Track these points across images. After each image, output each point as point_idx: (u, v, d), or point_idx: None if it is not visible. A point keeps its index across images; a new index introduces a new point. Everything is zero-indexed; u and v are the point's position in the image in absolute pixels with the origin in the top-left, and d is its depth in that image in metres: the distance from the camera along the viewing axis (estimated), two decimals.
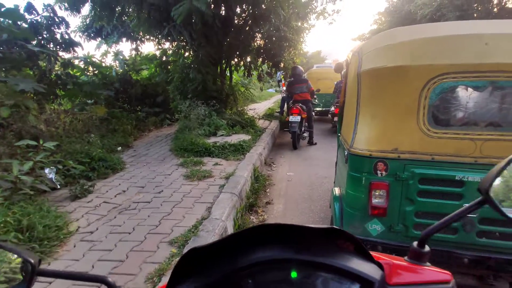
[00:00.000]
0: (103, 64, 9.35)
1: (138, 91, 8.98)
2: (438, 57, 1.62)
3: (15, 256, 0.53)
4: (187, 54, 7.02)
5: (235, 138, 5.65)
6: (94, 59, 7.78)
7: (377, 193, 1.76)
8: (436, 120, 1.68)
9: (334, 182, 3.07)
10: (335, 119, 7.42)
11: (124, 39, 9.46)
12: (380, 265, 0.50)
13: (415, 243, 0.56)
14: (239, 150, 5.04)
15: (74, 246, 2.34)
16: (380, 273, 0.48)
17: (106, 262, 2.15)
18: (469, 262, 1.67)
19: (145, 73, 10.45)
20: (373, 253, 0.53)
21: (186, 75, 6.72)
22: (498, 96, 1.64)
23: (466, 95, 1.67)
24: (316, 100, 7.83)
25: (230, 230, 2.72)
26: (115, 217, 2.83)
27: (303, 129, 6.75)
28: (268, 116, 9.29)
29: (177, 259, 0.51)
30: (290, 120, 6.26)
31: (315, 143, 7.10)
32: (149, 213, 2.86)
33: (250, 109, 12.25)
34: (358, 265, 0.48)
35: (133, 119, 7.16)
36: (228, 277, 0.48)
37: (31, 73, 5.80)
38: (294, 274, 0.48)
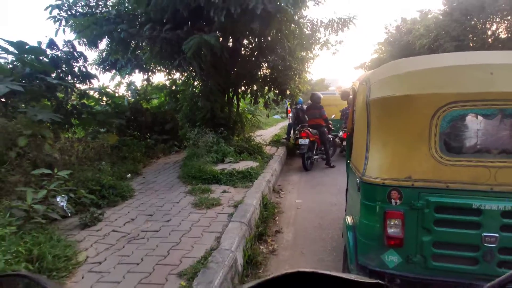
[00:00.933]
0: (116, 94, 9.76)
1: (148, 119, 9.23)
2: (445, 86, 1.64)
3: None
4: (196, 83, 7.29)
5: (242, 165, 5.68)
6: (108, 90, 8.12)
7: (392, 223, 1.72)
8: (448, 148, 1.67)
9: (345, 210, 2.98)
10: (344, 143, 7.69)
11: (136, 71, 9.91)
12: None
13: None
14: (247, 177, 5.05)
15: (82, 278, 2.32)
16: None
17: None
18: None
19: (155, 102, 10.81)
20: None
21: (194, 103, 6.93)
22: (508, 124, 1.64)
23: (477, 123, 1.68)
24: (332, 127, 8.05)
25: (240, 261, 2.67)
26: (123, 247, 2.82)
27: (315, 152, 7.13)
28: (275, 142, 9.37)
29: None
30: (299, 142, 6.77)
31: (333, 166, 7.23)
32: (157, 243, 2.84)
33: (257, 136, 12.38)
34: None
35: (142, 146, 7.30)
36: None
37: (49, 103, 6.06)
38: None
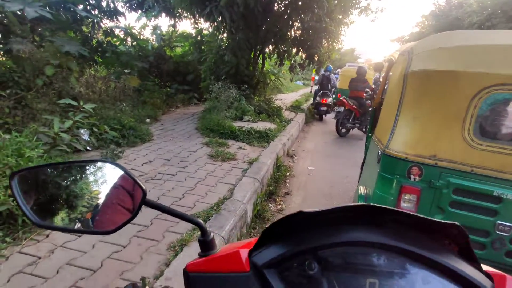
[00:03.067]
0: (141, 37, 9.58)
1: (170, 67, 9.13)
2: (496, 66, 1.54)
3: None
4: (223, 36, 7.00)
5: (260, 125, 5.64)
6: (133, 31, 7.94)
7: (407, 197, 1.73)
8: (482, 132, 1.61)
9: (358, 182, 3.02)
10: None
11: (163, 14, 9.55)
12: (489, 276, 0.45)
13: None
14: (264, 138, 5.04)
15: None
16: (490, 283, 0.43)
17: (131, 225, 2.24)
18: None
19: (179, 50, 10.59)
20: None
21: (220, 56, 6.73)
22: None
23: None
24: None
25: (250, 214, 2.76)
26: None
27: (350, 121, 7.46)
28: (295, 108, 9.19)
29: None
30: (336, 110, 7.67)
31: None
32: (173, 186, 2.94)
33: (277, 99, 12.16)
34: (465, 268, 0.43)
35: (163, 93, 7.31)
36: (320, 249, 0.46)
37: (75, 36, 6.01)
38: (390, 263, 0.45)
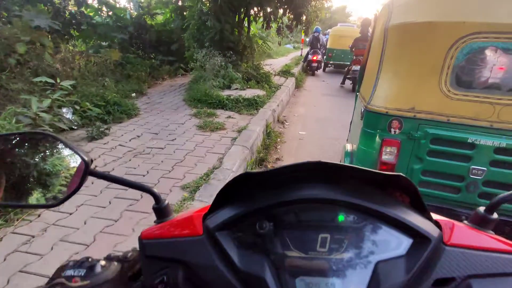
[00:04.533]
0: (117, 5, 9.00)
1: (153, 37, 8.71)
2: (472, 14, 1.55)
3: (68, 152, 0.53)
4: None
5: (249, 93, 5.54)
6: None
7: (388, 150, 1.80)
8: (458, 82, 1.64)
9: (347, 140, 3.09)
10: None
11: None
12: (437, 224, 0.46)
13: (481, 208, 0.51)
14: (253, 105, 4.97)
15: (92, 183, 2.47)
16: (437, 231, 0.44)
17: (122, 199, 2.28)
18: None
19: (159, 18, 10.02)
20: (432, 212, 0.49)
21: (203, 22, 6.40)
22: None
23: (494, 57, 1.61)
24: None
25: None
26: (130, 160, 2.93)
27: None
28: (284, 73, 8.99)
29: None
30: (353, 69, 7.94)
31: None
32: (162, 159, 2.94)
33: (266, 65, 11.84)
34: (414, 218, 0.44)
35: (147, 65, 7.04)
36: (271, 209, 0.46)
37: (46, 9, 5.63)
38: (341, 218, 0.45)
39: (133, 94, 5.79)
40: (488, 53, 1.61)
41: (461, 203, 1.77)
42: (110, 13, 7.41)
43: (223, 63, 6.21)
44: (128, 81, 6.27)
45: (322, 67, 12.21)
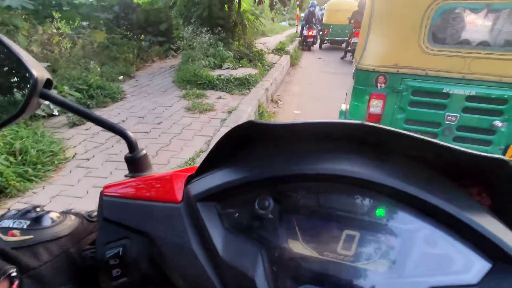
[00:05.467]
0: None
1: (140, 17, 8.30)
2: None
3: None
4: None
5: (241, 72, 5.29)
6: None
7: (375, 103, 2.00)
8: (434, 39, 1.82)
9: (344, 102, 3.19)
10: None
11: None
12: None
13: None
14: (245, 85, 4.74)
15: (70, 172, 2.32)
16: None
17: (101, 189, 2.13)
18: None
19: None
20: None
21: None
22: (491, 18, 1.84)
23: (464, 16, 1.86)
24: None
25: None
26: (112, 146, 2.76)
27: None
28: (279, 50, 8.64)
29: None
30: (353, 41, 8.10)
31: None
32: (146, 144, 2.78)
33: (260, 43, 11.43)
34: (500, 230, 0.27)
35: (134, 46, 6.72)
36: (280, 182, 0.32)
37: None
38: (381, 212, 0.30)
39: (121, 77, 5.53)
40: (458, 12, 1.83)
41: None
42: None
43: (212, 41, 5.90)
44: (115, 64, 5.99)
45: (318, 43, 11.94)
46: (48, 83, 0.41)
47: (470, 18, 1.87)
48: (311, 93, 5.95)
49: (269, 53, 8.34)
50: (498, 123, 1.82)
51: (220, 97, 4.20)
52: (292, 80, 7.09)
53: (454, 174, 0.32)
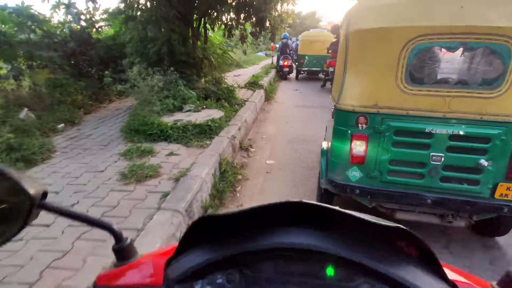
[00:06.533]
0: (54, 20, 7.80)
1: (101, 52, 7.60)
2: (417, 19, 1.74)
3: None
4: (142, 5, 5.51)
5: (204, 115, 4.52)
6: (32, 11, 6.21)
7: (357, 144, 1.95)
8: (412, 78, 1.83)
9: (324, 139, 3.12)
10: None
11: None
12: (454, 286, 0.37)
13: None
14: (206, 133, 3.95)
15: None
16: None
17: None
18: (432, 202, 1.91)
19: (110, 31, 8.88)
20: (446, 267, 0.41)
21: (146, 33, 5.34)
22: (468, 57, 1.83)
23: (440, 56, 1.84)
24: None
25: None
26: None
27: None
28: (252, 84, 8.05)
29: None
30: (329, 70, 8.69)
31: None
32: (34, 252, 1.83)
33: (234, 75, 10.93)
34: (425, 281, 0.35)
35: (83, 87, 5.87)
36: (242, 257, 0.39)
37: None
38: (330, 271, 0.38)
39: (60, 126, 4.62)
40: (434, 52, 1.83)
41: (425, 188, 1.93)
42: (34, 26, 6.18)
43: (163, 84, 5.09)
44: (58, 109, 5.09)
45: (295, 73, 11.99)
46: (44, 194, 0.47)
47: (446, 57, 1.84)
48: (287, 134, 5.24)
49: (241, 88, 7.73)
50: (483, 162, 1.79)
51: (172, 153, 3.35)
52: (266, 118, 6.40)
53: (382, 232, 0.38)
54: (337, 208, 0.35)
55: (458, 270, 0.44)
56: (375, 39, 1.81)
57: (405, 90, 1.80)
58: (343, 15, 2.59)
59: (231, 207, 2.88)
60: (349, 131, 1.94)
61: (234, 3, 6.45)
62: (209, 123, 4.09)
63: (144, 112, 4.20)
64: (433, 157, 1.85)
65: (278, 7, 7.15)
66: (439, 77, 1.86)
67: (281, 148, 4.62)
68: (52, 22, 7.85)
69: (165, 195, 2.41)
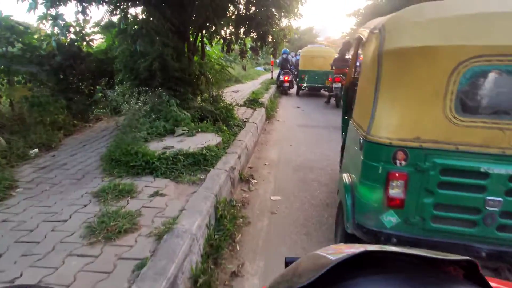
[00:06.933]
0: (40, 33, 7.32)
1: (91, 66, 7.12)
2: (472, 37, 1.50)
3: None
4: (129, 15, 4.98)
5: (198, 141, 3.93)
6: (11, 21, 5.69)
7: (394, 184, 1.67)
8: (463, 107, 1.57)
9: (340, 167, 2.85)
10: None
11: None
12: None
13: None
14: (200, 164, 3.35)
15: None
16: None
17: None
18: (487, 256, 1.65)
19: (103, 45, 8.41)
20: (493, 281, 0.43)
21: (136, 47, 4.80)
22: None
23: (499, 81, 1.53)
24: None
25: None
26: None
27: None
28: (252, 102, 7.52)
29: None
30: (334, 86, 8.60)
31: None
32: None
33: (233, 91, 10.42)
34: None
35: (64, 106, 5.29)
36: None
37: None
38: None
39: (32, 152, 4.00)
40: (492, 76, 1.53)
41: (479, 238, 1.66)
42: (14, 38, 5.66)
43: (149, 107, 4.49)
44: (34, 130, 4.48)
45: (296, 90, 11.69)
46: None
47: (507, 83, 1.52)
48: (292, 160, 4.66)
49: (241, 106, 7.19)
50: None
51: (157, 193, 2.73)
52: (268, 139, 5.83)
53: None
54: (400, 250, 0.37)
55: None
56: (419, 60, 1.57)
57: (455, 121, 1.58)
58: (364, 30, 2.26)
59: (229, 268, 2.25)
60: (384, 168, 1.67)
61: (233, 17, 6.00)
62: (204, 151, 3.49)
63: (128, 139, 3.59)
64: (489, 202, 1.60)
65: (283, 21, 6.74)
66: (497, 106, 1.59)
67: (286, 178, 4.02)
68: (39, 34, 7.39)
69: (141, 266, 1.77)
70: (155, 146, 3.71)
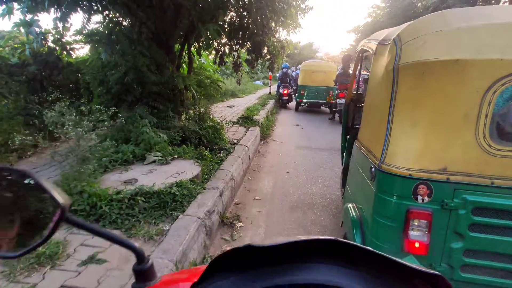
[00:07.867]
0: (19, 39, 6.71)
1: (71, 77, 6.49)
2: (510, 49, 1.24)
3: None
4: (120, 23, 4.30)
5: (171, 171, 3.15)
6: None
7: (416, 224, 1.41)
8: (500, 134, 1.33)
9: (343, 194, 2.61)
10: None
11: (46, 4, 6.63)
12: None
13: None
14: (167, 207, 2.55)
15: None
16: None
17: None
18: None
19: (84, 56, 7.78)
20: None
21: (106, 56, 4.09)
22: None
23: None
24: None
25: None
26: None
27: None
28: (246, 120, 6.77)
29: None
30: (338, 102, 8.12)
31: None
32: None
33: (228, 106, 9.72)
34: None
35: (19, 122, 4.53)
36: None
37: None
38: None
39: None
40: None
41: None
42: None
43: (139, 118, 3.81)
44: None
45: (295, 105, 11.13)
46: (70, 207, 0.45)
47: None
48: (289, 194, 3.85)
49: (233, 124, 6.45)
50: None
51: (92, 258, 1.91)
52: (262, 165, 5.04)
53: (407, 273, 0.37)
54: (369, 248, 0.36)
55: None
56: (445, 76, 1.30)
57: (490, 150, 1.31)
58: (372, 42, 1.98)
59: None
60: (403, 205, 1.40)
61: (225, 25, 5.34)
62: (174, 189, 2.70)
63: (75, 172, 2.78)
64: None
65: (280, 33, 6.11)
66: None
67: (281, 220, 3.21)
68: (12, 42, 6.75)
69: None
70: (114, 179, 2.92)
